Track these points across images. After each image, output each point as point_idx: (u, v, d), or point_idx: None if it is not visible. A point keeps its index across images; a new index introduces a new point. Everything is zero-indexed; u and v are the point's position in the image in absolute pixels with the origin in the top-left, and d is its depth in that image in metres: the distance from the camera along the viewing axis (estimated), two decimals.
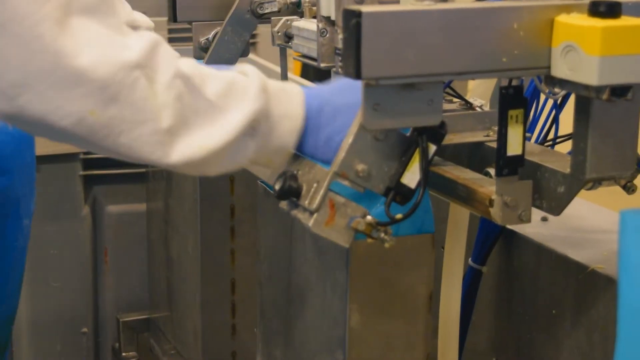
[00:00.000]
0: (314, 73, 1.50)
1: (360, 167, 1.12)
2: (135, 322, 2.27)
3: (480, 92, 1.49)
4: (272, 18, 1.56)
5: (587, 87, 1.10)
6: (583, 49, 1.08)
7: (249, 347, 1.82)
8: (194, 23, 1.65)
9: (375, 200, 1.20)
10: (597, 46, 1.07)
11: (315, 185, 1.12)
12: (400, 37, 1.06)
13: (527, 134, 1.44)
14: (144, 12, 3.27)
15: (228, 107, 1.14)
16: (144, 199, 2.24)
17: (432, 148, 1.14)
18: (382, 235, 1.13)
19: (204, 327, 1.86)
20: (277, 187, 1.14)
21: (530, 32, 1.12)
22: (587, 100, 1.15)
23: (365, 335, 1.27)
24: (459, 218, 1.54)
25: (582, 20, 1.09)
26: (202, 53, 1.66)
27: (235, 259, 1.86)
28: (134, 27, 1.20)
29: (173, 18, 1.64)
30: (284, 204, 1.16)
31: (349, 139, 1.11)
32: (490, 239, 1.68)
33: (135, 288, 2.34)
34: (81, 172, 2.35)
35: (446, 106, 1.43)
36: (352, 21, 1.03)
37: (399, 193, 1.14)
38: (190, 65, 1.14)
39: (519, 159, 1.17)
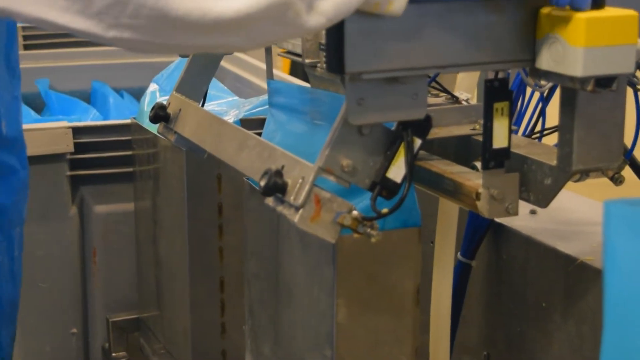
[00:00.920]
0: (302, 70, 1.49)
1: (346, 162, 1.11)
2: (124, 322, 2.26)
3: (465, 86, 1.49)
4: None
5: (572, 78, 1.10)
6: (567, 41, 1.08)
7: (239, 345, 1.81)
8: None
9: (360, 195, 1.19)
10: (582, 37, 1.07)
11: (300, 180, 1.11)
12: (383, 31, 1.05)
13: (514, 127, 1.43)
14: None
15: None
16: (131, 198, 2.23)
17: (418, 142, 1.14)
18: (369, 230, 1.12)
19: (194, 326, 1.85)
20: (262, 183, 1.13)
21: (515, 25, 1.12)
22: (572, 91, 1.14)
23: (353, 331, 1.27)
24: (449, 212, 1.54)
25: (566, 11, 1.09)
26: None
27: (223, 257, 1.86)
28: None
29: None
30: (269, 200, 1.16)
31: (334, 134, 1.11)
32: (479, 232, 1.68)
33: (125, 288, 2.33)
34: (68, 173, 2.33)
35: (432, 100, 1.43)
36: None
37: (384, 187, 1.13)
38: None
39: (505, 152, 1.16)
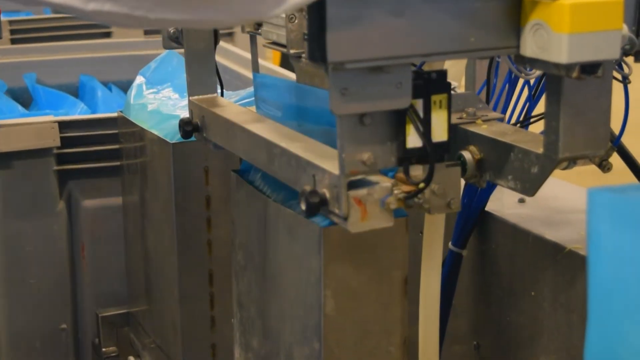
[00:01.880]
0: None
1: (365, 156, 1.12)
2: (114, 317, 2.25)
3: (452, 74, 1.48)
4: None
5: (557, 65, 1.09)
6: (551, 27, 1.07)
7: (229, 339, 1.80)
8: None
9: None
10: (566, 23, 1.06)
11: (335, 190, 1.12)
12: (366, 20, 1.04)
13: (501, 115, 1.43)
14: None
15: None
16: (120, 192, 2.22)
17: (419, 103, 1.12)
18: (416, 200, 1.14)
19: (183, 320, 1.84)
20: (303, 208, 1.14)
21: (499, 11, 1.11)
22: (557, 78, 1.14)
23: (341, 322, 1.26)
24: None
25: None
26: (171, 43, 1.64)
27: (212, 250, 1.85)
28: None
29: None
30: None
31: (340, 141, 1.11)
32: (470, 222, 1.67)
33: (114, 283, 2.32)
34: (55, 167, 2.32)
35: None
36: (317, 4, 1.02)
37: (411, 158, 1.13)
38: None
39: (445, 146, 1.15)
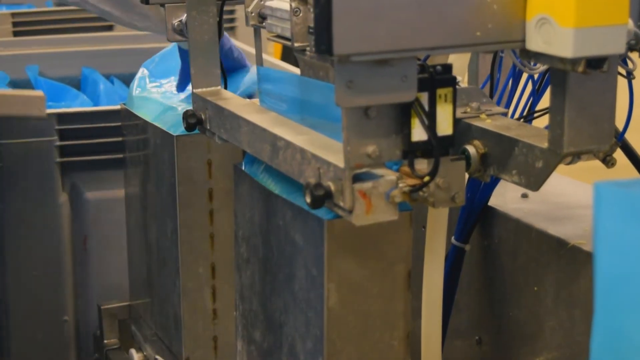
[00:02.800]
0: (294, 56, 1.48)
1: (370, 149, 1.12)
2: (116, 309, 2.25)
3: (456, 68, 1.47)
4: None
5: (562, 59, 1.09)
6: (557, 21, 1.07)
7: (230, 332, 1.80)
8: (166, 5, 1.63)
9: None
10: (572, 18, 1.05)
11: (339, 182, 1.12)
12: (372, 12, 1.04)
13: (505, 110, 1.42)
14: None
15: None
16: (122, 185, 2.22)
17: (424, 96, 1.12)
18: (421, 194, 1.14)
19: (185, 313, 1.84)
20: (308, 201, 1.15)
21: (504, 5, 1.11)
22: (563, 73, 1.13)
23: (344, 315, 1.26)
24: None
25: None
26: (175, 36, 1.64)
27: (214, 243, 1.85)
28: None
29: (145, 0, 1.61)
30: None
31: (345, 133, 1.10)
32: (473, 216, 1.67)
33: (116, 275, 2.32)
34: (58, 160, 2.32)
35: None
36: None
37: (416, 151, 1.13)
38: None
39: (450, 139, 1.15)
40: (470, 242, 1.67)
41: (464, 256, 1.69)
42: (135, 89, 2.04)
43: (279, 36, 1.45)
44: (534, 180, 1.22)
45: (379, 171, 1.15)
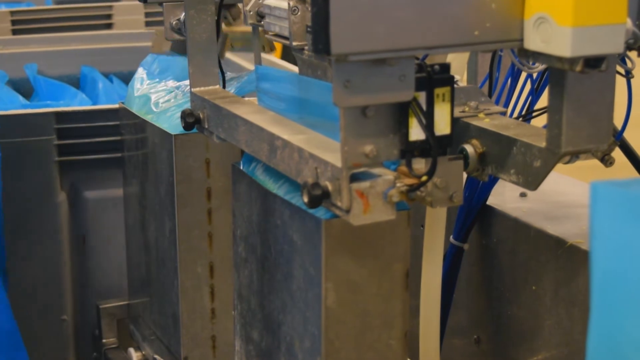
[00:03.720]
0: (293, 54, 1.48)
1: (368, 148, 1.12)
2: (115, 309, 2.25)
3: (455, 67, 1.48)
4: None
5: (560, 59, 1.09)
6: (555, 20, 1.07)
7: (229, 331, 1.81)
8: (164, 4, 1.63)
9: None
10: (570, 17, 1.05)
11: (337, 182, 1.12)
12: (370, 12, 1.04)
13: (504, 109, 1.42)
14: None
15: None
16: (121, 184, 2.22)
17: (422, 95, 1.12)
18: (419, 193, 1.14)
19: (184, 312, 1.84)
20: (305, 200, 1.15)
21: (502, 4, 1.10)
22: (561, 72, 1.13)
23: (342, 315, 1.26)
24: None
25: None
26: (173, 34, 1.64)
27: (213, 243, 1.85)
28: None
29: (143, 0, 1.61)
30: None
31: (342, 133, 1.10)
32: (472, 215, 1.67)
33: (115, 274, 2.32)
34: (56, 159, 2.32)
35: None
36: None
37: (414, 150, 1.13)
38: None
39: (448, 139, 1.15)
40: (469, 241, 1.67)
41: (462, 255, 1.69)
42: (134, 88, 2.04)
43: (277, 35, 1.45)
44: (532, 180, 1.22)
45: (376, 170, 1.15)
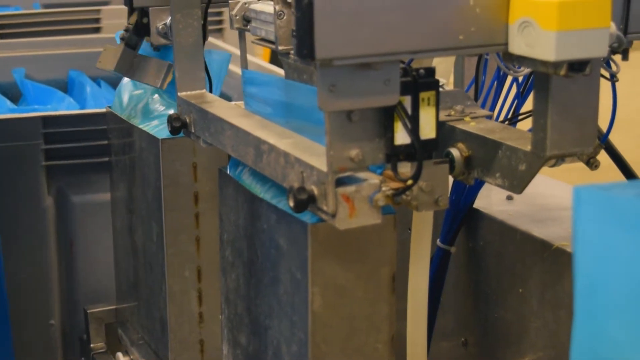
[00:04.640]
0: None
1: (353, 153, 1.12)
2: (102, 313, 2.24)
3: (441, 71, 1.48)
4: (230, 1, 1.54)
5: (544, 63, 1.09)
6: (540, 25, 1.07)
7: (217, 335, 1.80)
8: (150, 8, 1.63)
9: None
10: (554, 21, 1.06)
11: (323, 186, 1.13)
12: (354, 16, 1.04)
13: (490, 112, 1.43)
14: (107, 2, 3.19)
15: None
16: (108, 188, 2.22)
17: (407, 99, 1.12)
18: (404, 197, 1.14)
19: (171, 316, 1.84)
20: (291, 204, 1.15)
21: (487, 9, 1.11)
22: (545, 76, 1.14)
23: (329, 319, 1.26)
24: None
25: None
26: (160, 39, 1.64)
27: (200, 246, 1.85)
28: None
29: (129, 4, 1.61)
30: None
31: (328, 137, 1.10)
32: (458, 219, 1.67)
33: (103, 279, 2.32)
34: (43, 163, 2.32)
35: None
36: (304, 0, 1.02)
37: (399, 154, 1.14)
38: None
39: (433, 143, 1.15)
40: (456, 244, 1.68)
41: (449, 258, 1.69)
42: (122, 91, 2.04)
43: (263, 39, 1.45)
44: (517, 183, 1.23)
45: (362, 175, 1.15)
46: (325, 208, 1.14)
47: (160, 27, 1.63)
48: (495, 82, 1.52)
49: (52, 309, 2.40)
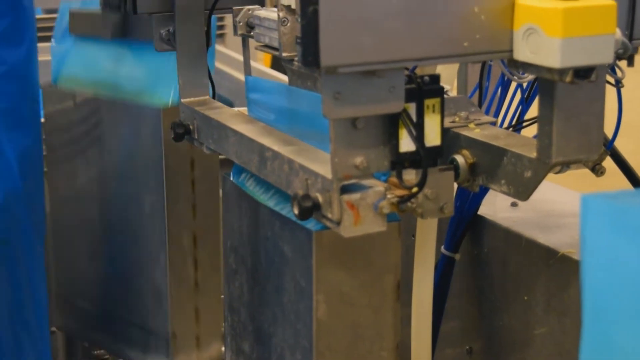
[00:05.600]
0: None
1: (358, 160, 1.11)
2: None
3: (445, 77, 1.47)
4: (234, 8, 1.53)
5: (550, 69, 1.08)
6: (544, 31, 1.07)
7: (212, 303, 1.82)
8: (154, 15, 1.62)
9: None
10: (559, 28, 1.05)
11: (327, 194, 1.12)
12: (359, 24, 1.04)
13: (494, 119, 1.42)
14: None
15: None
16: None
17: (412, 106, 1.12)
18: (410, 205, 1.14)
19: (171, 287, 1.82)
20: (296, 212, 1.14)
21: (491, 15, 1.10)
22: (550, 83, 1.13)
23: (333, 326, 1.25)
24: None
25: (543, 1, 1.07)
26: (163, 45, 1.63)
27: (196, 213, 1.84)
28: None
29: (133, 10, 1.60)
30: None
31: (332, 145, 1.10)
32: (462, 225, 1.67)
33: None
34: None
35: None
36: (309, 8, 1.01)
37: (404, 161, 1.13)
38: None
39: (438, 150, 1.15)
40: (461, 251, 1.67)
41: (453, 265, 1.68)
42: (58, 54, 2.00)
43: (266, 46, 1.45)
44: (523, 190, 1.22)
45: (367, 182, 1.15)
46: (330, 215, 1.13)
47: (163, 33, 1.62)
48: (500, 88, 1.52)
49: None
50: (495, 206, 1.68)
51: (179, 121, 1.57)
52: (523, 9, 1.09)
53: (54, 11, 3.68)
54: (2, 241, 1.85)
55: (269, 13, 1.43)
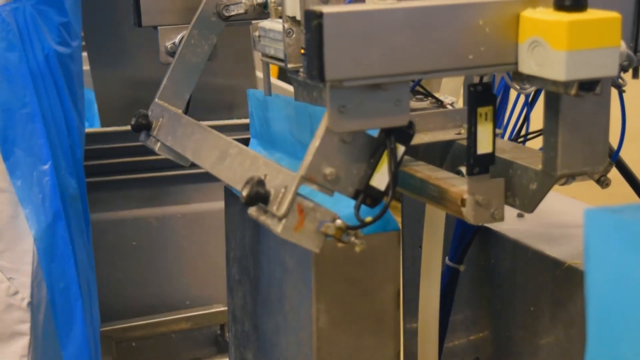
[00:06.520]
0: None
1: (329, 170, 1.10)
2: (112, 332, 2.24)
3: (450, 89, 1.48)
4: (252, 22, 1.53)
5: (555, 82, 1.08)
6: (550, 44, 1.07)
7: None
8: (159, 27, 1.62)
9: (342, 202, 1.18)
10: (564, 41, 1.05)
11: (283, 190, 1.10)
12: (364, 37, 1.04)
13: (499, 131, 1.42)
14: None
15: None
16: (124, 206, 2.20)
17: (401, 149, 1.12)
18: (353, 239, 1.11)
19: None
20: (244, 193, 1.12)
21: (496, 28, 1.11)
22: (556, 95, 1.13)
23: (334, 336, 1.25)
24: (435, 217, 1.53)
25: (548, 14, 1.07)
26: (168, 57, 1.64)
27: None
28: None
29: (138, 22, 1.61)
30: (252, 210, 1.14)
31: (316, 142, 1.10)
32: (467, 237, 1.67)
33: (111, 297, 2.31)
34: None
35: (417, 105, 1.42)
36: (314, 22, 1.01)
37: (368, 195, 1.12)
38: None
39: (490, 157, 1.15)
40: (467, 262, 1.67)
41: (458, 276, 1.68)
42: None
43: (272, 57, 1.45)
44: (529, 202, 1.22)
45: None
46: (274, 210, 1.11)
47: (168, 45, 1.63)
48: (500, 95, 1.52)
49: None
50: None
51: (144, 112, 1.57)
52: (528, 22, 1.09)
53: None
54: (75, 197, 1.85)
55: (274, 24, 1.43)
